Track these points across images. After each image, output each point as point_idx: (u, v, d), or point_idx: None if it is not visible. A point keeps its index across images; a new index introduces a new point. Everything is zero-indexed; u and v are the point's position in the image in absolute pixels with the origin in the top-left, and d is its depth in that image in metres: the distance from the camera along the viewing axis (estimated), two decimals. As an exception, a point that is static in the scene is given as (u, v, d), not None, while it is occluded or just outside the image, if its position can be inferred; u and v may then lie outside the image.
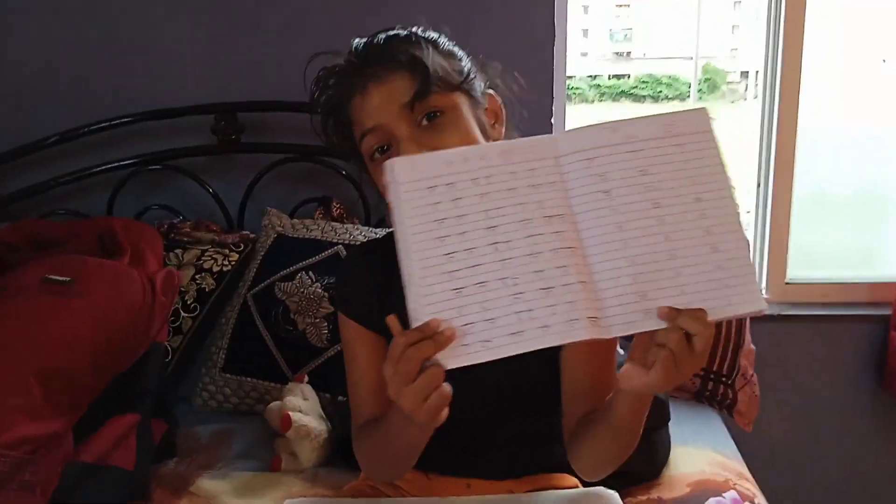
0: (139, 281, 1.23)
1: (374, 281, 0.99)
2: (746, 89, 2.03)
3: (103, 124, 1.75)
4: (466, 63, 0.95)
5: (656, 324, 0.71)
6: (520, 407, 0.98)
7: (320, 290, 1.46)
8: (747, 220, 1.92)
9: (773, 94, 1.85)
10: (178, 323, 1.49)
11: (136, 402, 1.21)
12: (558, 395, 1.04)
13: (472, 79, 0.95)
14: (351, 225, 1.65)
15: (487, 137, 0.94)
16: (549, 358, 0.97)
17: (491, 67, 0.99)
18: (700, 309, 0.71)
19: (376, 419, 0.94)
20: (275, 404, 1.34)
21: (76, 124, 1.76)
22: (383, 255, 1.00)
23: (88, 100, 1.78)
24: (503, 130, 0.98)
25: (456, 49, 0.95)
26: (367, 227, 1.65)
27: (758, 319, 1.79)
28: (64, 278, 1.21)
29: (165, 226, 1.67)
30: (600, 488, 0.99)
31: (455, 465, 0.99)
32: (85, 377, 1.14)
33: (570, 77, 1.85)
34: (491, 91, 0.97)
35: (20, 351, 1.11)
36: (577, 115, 1.85)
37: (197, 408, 1.47)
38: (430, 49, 0.92)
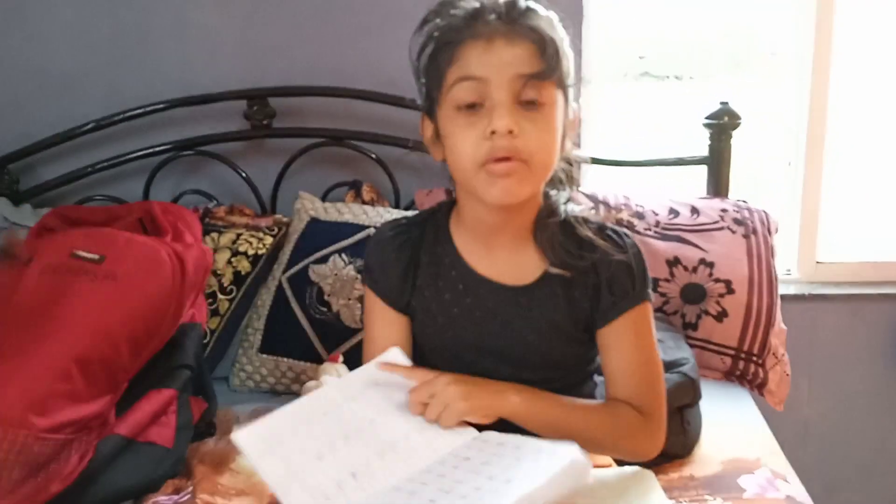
0: (168, 261, 1.25)
1: (399, 259, 1.01)
2: (775, 68, 2.01)
3: (137, 111, 1.78)
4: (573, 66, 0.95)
5: None
6: (548, 384, 1.00)
7: (353, 272, 1.49)
8: (779, 198, 1.91)
9: (803, 73, 1.83)
10: (214, 305, 1.52)
11: (173, 377, 1.24)
12: (586, 374, 1.06)
13: (575, 84, 0.95)
14: (382, 208, 1.67)
15: (560, 148, 0.94)
16: (570, 336, 0.99)
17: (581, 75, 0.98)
18: None
19: None
20: (311, 383, 1.37)
21: (111, 112, 1.79)
22: (411, 236, 1.03)
23: (122, 87, 1.81)
24: (570, 145, 0.98)
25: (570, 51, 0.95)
26: (397, 210, 1.67)
27: (789, 299, 1.79)
28: (93, 255, 1.22)
29: (200, 210, 1.70)
30: (636, 468, 1.00)
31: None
32: (123, 360, 1.17)
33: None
34: (576, 104, 0.97)
35: (59, 338, 1.14)
36: (600, 96, 1.84)
37: (234, 388, 1.50)
38: (564, 37, 0.92)
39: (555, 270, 0.97)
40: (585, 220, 1.00)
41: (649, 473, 0.99)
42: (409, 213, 1.60)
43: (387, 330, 1.03)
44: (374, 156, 1.76)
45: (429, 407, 0.90)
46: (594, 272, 0.97)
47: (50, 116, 1.81)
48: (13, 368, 1.10)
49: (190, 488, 1.17)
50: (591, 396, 1.06)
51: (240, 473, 1.22)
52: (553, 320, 0.98)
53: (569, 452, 0.82)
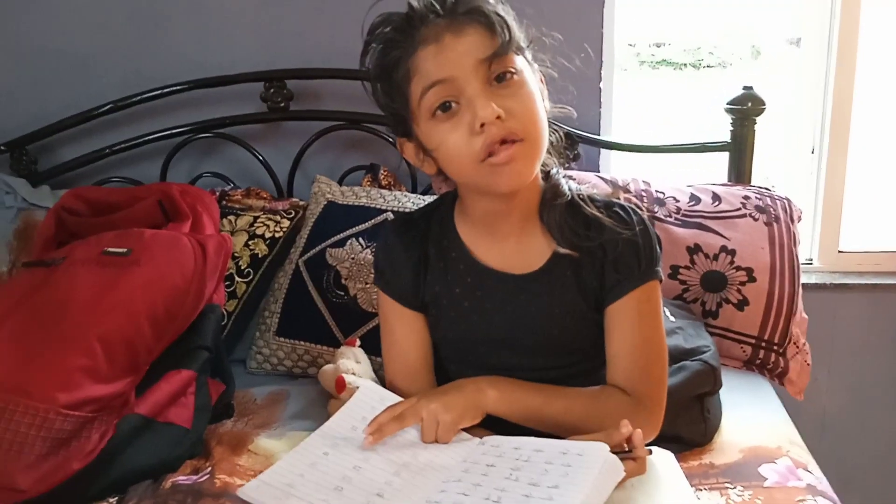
0: (190, 248, 1.26)
1: (409, 258, 1.01)
2: (793, 56, 1.98)
3: (155, 93, 1.78)
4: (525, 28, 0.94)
5: None
6: (559, 364, 0.99)
7: (370, 256, 1.48)
8: (802, 187, 1.88)
9: (829, 61, 1.80)
10: (232, 288, 1.52)
11: (192, 358, 1.25)
12: (602, 358, 1.04)
13: (531, 45, 0.94)
14: (399, 192, 1.66)
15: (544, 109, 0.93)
16: (584, 317, 0.98)
17: (532, 34, 0.96)
18: None
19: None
20: (328, 367, 1.37)
21: (129, 93, 1.79)
22: (417, 233, 1.02)
23: (140, 69, 1.81)
24: (549, 104, 0.96)
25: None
26: (414, 195, 1.66)
27: (810, 288, 1.77)
28: (121, 249, 1.24)
29: (217, 193, 1.70)
30: (655, 447, 0.99)
31: (497, 426, 0.99)
32: (145, 341, 1.18)
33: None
34: (536, 64, 0.96)
35: (84, 318, 1.15)
36: (617, 85, 1.82)
37: (251, 370, 1.50)
38: (503, 6, 0.90)
39: (563, 251, 0.95)
40: (591, 199, 0.99)
41: (669, 454, 0.98)
42: (426, 198, 1.60)
43: (404, 329, 1.03)
44: (391, 139, 1.75)
45: (423, 430, 0.90)
46: (601, 251, 0.96)
47: (68, 98, 1.81)
48: (40, 347, 1.11)
49: (208, 469, 1.17)
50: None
51: (258, 454, 1.22)
52: (565, 303, 0.97)
53: (598, 452, 0.81)
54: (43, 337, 1.12)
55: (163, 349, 1.21)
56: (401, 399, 0.96)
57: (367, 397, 0.98)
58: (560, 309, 0.97)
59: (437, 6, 0.88)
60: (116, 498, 1.11)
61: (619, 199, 1.01)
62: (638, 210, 0.99)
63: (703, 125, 1.91)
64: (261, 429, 1.29)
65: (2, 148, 1.79)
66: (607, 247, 0.96)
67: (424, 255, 1.01)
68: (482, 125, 0.86)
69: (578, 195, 0.98)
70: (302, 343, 1.48)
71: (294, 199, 1.72)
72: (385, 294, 1.03)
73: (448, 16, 0.88)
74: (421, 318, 1.03)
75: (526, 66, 0.91)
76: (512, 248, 0.98)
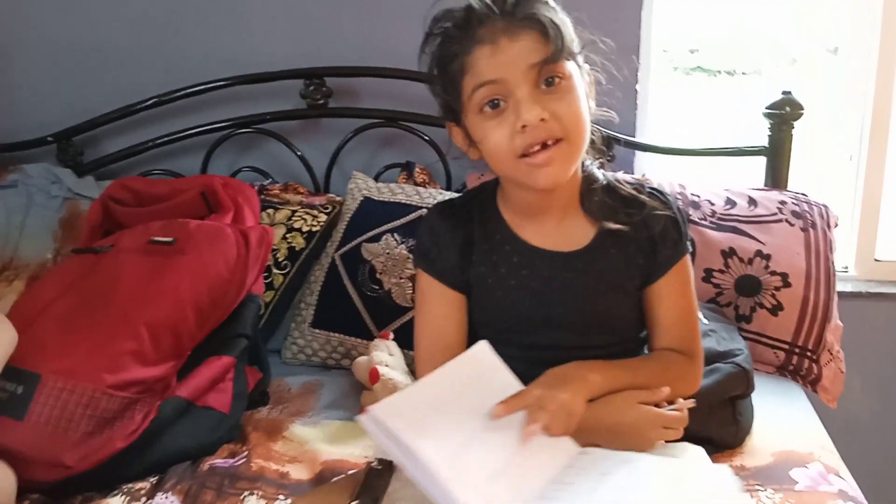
0: (234, 238, 1.29)
1: (454, 239, 1.03)
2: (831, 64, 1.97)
3: (197, 88, 1.82)
4: (575, 32, 0.96)
5: None
6: (604, 343, 1.01)
7: (405, 252, 1.51)
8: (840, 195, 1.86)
9: (869, 69, 1.79)
10: (269, 279, 1.56)
11: (232, 345, 1.28)
12: (641, 340, 1.06)
13: (583, 50, 0.96)
14: (434, 190, 1.68)
15: (588, 112, 0.96)
16: (629, 295, 1.01)
17: (587, 38, 0.99)
18: None
19: None
20: (362, 359, 1.39)
21: (171, 88, 1.83)
22: (462, 216, 1.04)
23: (183, 64, 1.85)
24: (594, 105, 0.99)
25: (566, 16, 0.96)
26: (449, 192, 1.68)
27: (846, 296, 1.75)
28: (167, 239, 1.28)
29: (256, 187, 1.73)
30: (686, 444, 1.00)
31: None
32: (188, 327, 1.21)
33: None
34: (587, 65, 0.99)
35: (131, 304, 1.19)
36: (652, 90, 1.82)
37: (286, 360, 1.53)
38: (560, 13, 0.93)
39: (609, 226, 0.99)
40: (625, 182, 1.04)
41: (699, 449, 0.99)
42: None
43: (445, 309, 1.04)
44: (427, 138, 1.77)
45: (554, 422, 0.88)
46: (645, 227, 1.00)
47: (112, 92, 1.86)
48: (88, 330, 1.15)
49: (245, 453, 1.20)
50: None
51: (292, 441, 1.25)
52: (611, 280, 1.00)
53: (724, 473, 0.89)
54: (91, 321, 1.16)
55: (204, 336, 1.25)
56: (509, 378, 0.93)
57: (479, 363, 0.93)
58: (606, 285, 1.00)
59: (496, 8, 0.92)
60: (157, 478, 1.14)
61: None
62: (665, 191, 1.05)
63: (737, 131, 1.90)
64: (295, 416, 1.32)
65: (49, 139, 1.85)
66: (650, 222, 1.00)
67: (469, 237, 1.03)
68: (524, 126, 0.90)
69: (612, 178, 1.04)
70: (336, 335, 1.51)
71: (331, 195, 1.75)
72: (427, 274, 1.04)
73: (506, 18, 0.91)
74: (461, 298, 1.04)
75: (575, 70, 0.94)
76: (556, 229, 1.01)
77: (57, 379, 1.10)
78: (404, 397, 0.84)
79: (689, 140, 1.84)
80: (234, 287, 1.26)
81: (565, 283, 1.00)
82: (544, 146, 0.91)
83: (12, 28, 1.87)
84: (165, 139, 1.86)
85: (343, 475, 1.04)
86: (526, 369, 1.00)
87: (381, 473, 0.92)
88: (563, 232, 1.01)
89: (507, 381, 0.92)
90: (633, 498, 0.84)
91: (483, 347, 0.93)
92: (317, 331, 1.52)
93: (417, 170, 1.76)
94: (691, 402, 0.98)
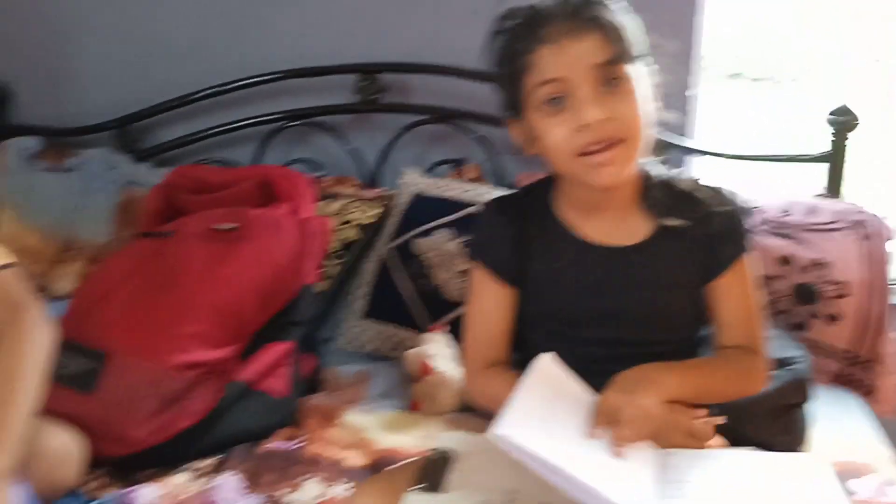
0: (294, 228, 1.32)
1: (509, 234, 1.03)
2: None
3: (254, 79, 1.85)
4: (641, 34, 0.97)
5: None
6: (662, 339, 1.01)
7: (457, 248, 1.52)
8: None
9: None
10: (323, 269, 1.58)
11: (289, 332, 1.31)
12: (699, 339, 1.06)
13: (646, 53, 0.97)
14: (484, 187, 1.69)
15: (652, 113, 0.96)
16: (688, 291, 1.01)
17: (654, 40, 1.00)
18: None
19: (499, 373, 0.99)
20: (413, 351, 1.41)
21: (228, 79, 1.86)
22: (518, 211, 1.05)
23: (241, 56, 1.88)
24: (656, 107, 0.99)
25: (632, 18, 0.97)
26: (500, 190, 1.69)
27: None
28: (229, 226, 1.30)
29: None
30: (811, 454, 1.00)
31: None
32: (250, 313, 1.24)
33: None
34: (650, 67, 0.99)
35: (196, 288, 1.22)
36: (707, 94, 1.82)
37: (337, 350, 1.55)
38: (624, 16, 0.94)
39: (668, 222, 0.99)
40: (684, 180, 1.04)
41: (827, 463, 0.96)
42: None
43: (494, 302, 1.05)
44: (478, 136, 1.79)
45: (633, 429, 0.88)
46: (704, 224, 0.99)
47: (171, 81, 1.89)
48: (155, 312, 1.18)
49: (302, 438, 1.22)
50: None
51: (348, 428, 1.27)
52: (670, 275, 1.00)
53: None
54: (158, 303, 1.19)
55: (264, 322, 1.27)
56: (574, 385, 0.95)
57: (548, 376, 0.94)
58: (666, 280, 1.00)
59: (561, 9, 0.93)
60: (218, 458, 1.16)
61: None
62: (724, 189, 1.04)
63: (783, 138, 1.88)
64: (349, 404, 1.34)
65: (110, 125, 1.89)
66: (710, 220, 1.00)
67: (524, 232, 1.04)
68: (585, 125, 0.91)
69: (668, 176, 1.04)
70: (387, 326, 1.53)
71: (382, 189, 1.77)
72: (480, 267, 1.05)
73: (570, 19, 0.92)
74: (512, 293, 1.04)
75: (638, 72, 0.94)
76: (614, 224, 1.01)
77: (125, 357, 1.13)
78: (514, 413, 0.85)
79: (737, 146, 1.83)
80: (293, 275, 1.29)
81: (623, 278, 1.00)
82: (604, 146, 0.91)
83: (79, 16, 1.91)
84: (220, 129, 1.89)
85: (403, 462, 1.06)
86: (581, 365, 1.01)
87: (440, 462, 0.94)
88: (620, 227, 1.01)
89: (578, 390, 0.93)
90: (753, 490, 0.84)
91: (548, 360, 0.94)
92: (368, 321, 1.54)
93: (469, 167, 1.77)
94: (721, 419, 0.95)
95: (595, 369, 1.00)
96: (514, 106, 0.98)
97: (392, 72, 1.82)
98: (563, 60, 0.91)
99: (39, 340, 0.98)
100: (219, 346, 1.19)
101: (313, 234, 1.33)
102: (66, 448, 1.04)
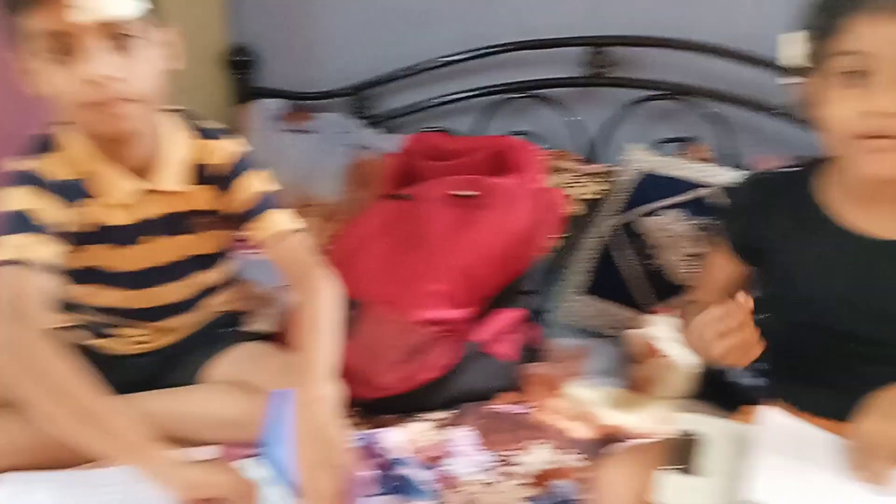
0: (532, 198, 1.34)
1: (759, 212, 0.99)
2: None
3: (481, 51, 1.89)
4: None
5: None
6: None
7: (686, 229, 1.47)
8: None
9: None
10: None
11: (520, 300, 1.34)
12: None
13: None
14: (717, 168, 1.61)
15: None
16: None
17: None
18: None
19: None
20: (636, 331, 1.39)
21: (457, 50, 1.92)
22: (774, 190, 1.00)
23: (471, 27, 1.92)
24: None
25: None
26: (733, 172, 1.60)
27: None
28: (469, 193, 1.35)
29: (534, 151, 1.77)
30: None
31: (834, 407, 0.93)
32: (488, 278, 1.29)
33: None
34: None
35: (441, 249, 1.29)
36: None
37: (555, 322, 1.57)
38: None
39: None
40: None
41: None
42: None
43: (724, 278, 1.03)
44: (710, 113, 1.71)
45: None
46: None
47: (404, 51, 1.98)
48: (403, 269, 1.26)
49: (528, 404, 1.25)
50: None
51: (572, 400, 1.28)
52: None
53: None
54: (405, 261, 1.27)
55: (499, 288, 1.31)
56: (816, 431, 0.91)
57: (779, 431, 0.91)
58: None
59: None
60: (451, 413, 1.23)
61: None
62: None
63: None
64: (570, 377, 1.35)
65: (346, 91, 2.02)
66: None
67: (778, 213, 0.99)
68: (878, 112, 0.83)
69: None
70: (608, 304, 1.52)
71: (604, 165, 1.75)
72: (721, 239, 1.03)
73: None
74: (744, 270, 1.02)
75: None
76: (885, 215, 0.93)
77: (377, 308, 1.21)
78: (766, 474, 0.83)
79: None
80: (528, 245, 1.31)
81: (886, 271, 0.92)
82: (889, 137, 0.83)
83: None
84: (444, 99, 1.96)
85: (645, 440, 1.06)
86: (829, 361, 0.95)
87: (689, 444, 0.92)
88: (892, 220, 0.93)
89: (817, 433, 0.90)
90: None
91: (775, 413, 0.93)
92: (588, 297, 1.54)
93: (698, 146, 1.70)
94: None
95: (844, 366, 0.95)
96: (813, 59, 0.91)
97: (623, 45, 1.78)
98: (877, 35, 0.83)
99: (333, 294, 1.08)
100: (458, 306, 1.25)
101: (549, 205, 1.34)
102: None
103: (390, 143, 1.90)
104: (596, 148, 1.83)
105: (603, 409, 1.26)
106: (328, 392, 0.98)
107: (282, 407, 0.94)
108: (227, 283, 1.21)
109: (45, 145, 1.01)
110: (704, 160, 1.68)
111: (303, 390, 0.96)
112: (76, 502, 0.95)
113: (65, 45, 0.90)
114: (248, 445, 0.99)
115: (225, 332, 1.21)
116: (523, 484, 1.09)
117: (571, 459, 1.13)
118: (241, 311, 1.31)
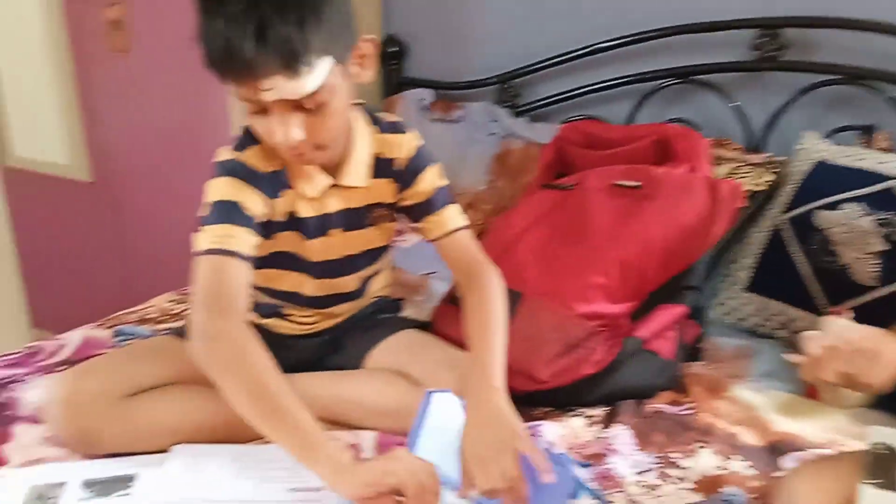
0: (704, 189, 1.27)
1: None
2: None
3: (634, 37, 1.82)
4: None
5: None
6: None
7: (871, 225, 1.34)
8: None
9: None
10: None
11: (682, 296, 1.28)
12: None
13: None
14: (904, 158, 1.47)
15: None
16: None
17: None
18: None
19: None
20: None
21: (611, 36, 1.85)
22: None
23: (627, 12, 1.85)
24: None
25: None
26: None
27: None
28: (633, 183, 1.30)
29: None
30: None
31: None
32: (651, 272, 1.23)
33: None
34: None
35: (603, 241, 1.25)
36: None
37: (712, 320, 1.49)
38: None
39: None
40: None
41: None
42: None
43: None
44: (894, 99, 1.55)
45: None
46: None
47: (554, 38, 1.94)
48: (562, 260, 1.24)
49: (690, 404, 1.19)
50: None
51: (738, 403, 1.21)
52: None
53: None
54: (565, 252, 1.24)
55: (662, 283, 1.26)
56: None
57: None
58: None
59: None
60: (607, 409, 1.19)
61: None
62: None
63: None
64: (735, 379, 1.28)
65: (493, 81, 2.01)
66: None
67: None
68: None
69: None
70: (775, 302, 1.42)
71: (771, 154, 1.63)
72: None
73: None
74: None
75: None
76: None
77: (535, 300, 1.19)
78: None
79: None
80: (698, 239, 1.25)
81: None
82: None
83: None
84: (596, 86, 1.90)
85: (837, 452, 0.98)
86: None
87: (888, 458, 0.84)
88: None
89: None
90: None
91: None
92: (752, 294, 1.45)
93: (880, 135, 1.55)
94: None
95: None
96: None
97: (797, 26, 1.65)
98: None
99: (501, 291, 1.10)
100: (618, 300, 1.21)
101: (724, 198, 1.27)
102: None
103: (538, 133, 1.88)
104: (759, 136, 1.72)
105: (773, 414, 1.18)
106: (501, 386, 0.99)
107: (432, 407, 0.95)
108: (383, 270, 1.24)
109: (248, 137, 1.06)
110: (886, 150, 1.53)
111: (477, 385, 0.97)
112: (245, 476, 1.00)
113: (263, 107, 0.95)
114: (405, 435, 1.00)
115: (385, 317, 1.24)
116: (687, 489, 1.03)
117: (740, 466, 1.07)
118: (397, 298, 1.33)
